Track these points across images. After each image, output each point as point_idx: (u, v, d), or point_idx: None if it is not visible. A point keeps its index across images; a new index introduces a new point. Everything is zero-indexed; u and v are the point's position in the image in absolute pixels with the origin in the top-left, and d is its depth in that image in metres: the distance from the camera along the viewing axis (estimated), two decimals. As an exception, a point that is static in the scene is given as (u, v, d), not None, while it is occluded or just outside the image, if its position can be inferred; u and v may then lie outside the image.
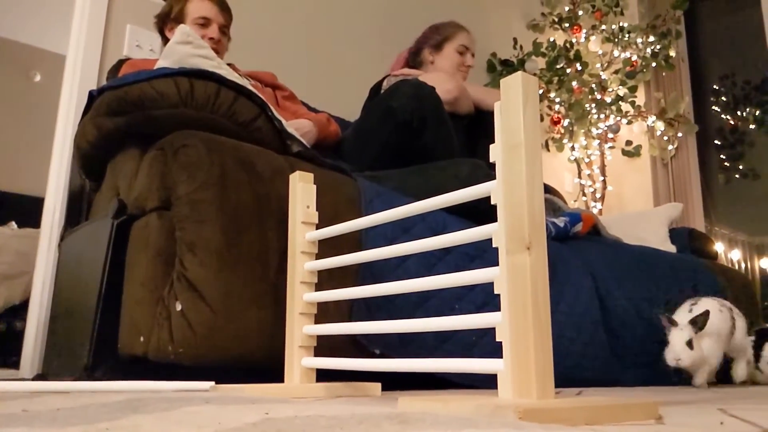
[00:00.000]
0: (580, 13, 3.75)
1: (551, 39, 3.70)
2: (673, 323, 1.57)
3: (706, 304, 1.65)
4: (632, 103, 3.73)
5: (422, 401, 0.71)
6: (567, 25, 3.76)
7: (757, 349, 1.94)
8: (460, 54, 2.39)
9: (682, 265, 2.12)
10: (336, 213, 1.29)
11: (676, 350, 1.55)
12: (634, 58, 3.70)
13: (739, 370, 1.82)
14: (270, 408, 0.60)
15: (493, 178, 0.77)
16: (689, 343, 1.54)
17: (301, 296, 1.10)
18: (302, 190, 1.13)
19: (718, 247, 3.51)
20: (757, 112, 3.83)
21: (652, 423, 0.64)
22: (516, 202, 0.73)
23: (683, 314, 1.61)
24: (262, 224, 1.19)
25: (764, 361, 1.91)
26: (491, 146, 0.77)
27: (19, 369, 1.86)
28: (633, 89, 3.71)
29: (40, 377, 1.59)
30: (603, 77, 3.72)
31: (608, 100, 3.69)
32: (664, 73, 3.92)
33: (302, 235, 1.12)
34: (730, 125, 3.93)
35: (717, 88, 4.03)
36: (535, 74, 3.56)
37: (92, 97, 1.39)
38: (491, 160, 0.77)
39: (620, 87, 3.72)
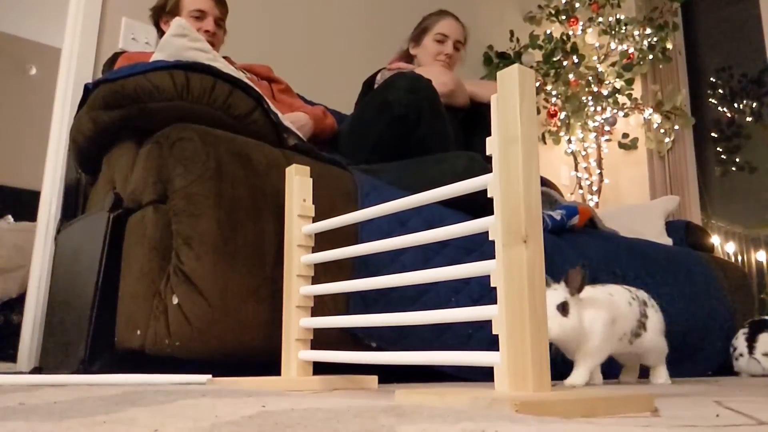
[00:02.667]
0: (577, 5, 3.74)
1: (548, 31, 3.70)
2: (546, 283, 1.17)
3: (610, 290, 1.31)
4: (629, 96, 3.73)
5: (419, 394, 0.71)
6: (564, 17, 3.75)
7: (751, 340, 1.95)
8: (438, 42, 2.31)
9: (678, 258, 2.13)
10: (332, 206, 1.29)
11: None
12: (631, 50, 3.70)
13: (662, 374, 1.48)
14: (267, 401, 0.60)
15: (490, 171, 0.77)
16: (562, 308, 1.17)
17: (298, 289, 1.10)
18: (298, 184, 1.13)
19: (715, 239, 3.52)
20: (754, 105, 3.83)
21: (648, 416, 0.65)
22: (512, 195, 0.73)
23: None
24: (258, 217, 1.19)
25: (759, 352, 1.93)
26: (488, 139, 0.77)
27: (16, 362, 1.86)
28: (630, 82, 3.71)
29: (37, 370, 1.59)
30: (600, 70, 3.72)
31: (605, 92, 3.69)
32: (661, 66, 3.92)
33: (298, 228, 1.12)
34: (727, 118, 3.93)
35: (714, 80, 4.02)
36: (531, 67, 3.55)
37: (88, 90, 1.39)
38: (487, 153, 0.77)
39: (617, 79, 3.71)
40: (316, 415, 0.51)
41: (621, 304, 1.29)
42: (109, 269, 1.21)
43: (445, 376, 1.39)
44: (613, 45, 3.73)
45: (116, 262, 1.21)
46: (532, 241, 0.72)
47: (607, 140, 3.85)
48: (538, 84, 3.68)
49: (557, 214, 1.86)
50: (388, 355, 0.91)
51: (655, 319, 1.40)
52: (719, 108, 3.98)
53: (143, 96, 1.24)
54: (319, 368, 1.10)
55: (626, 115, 3.83)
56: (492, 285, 0.74)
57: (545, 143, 3.80)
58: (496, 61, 3.53)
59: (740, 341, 1.99)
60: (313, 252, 1.12)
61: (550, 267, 1.62)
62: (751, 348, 1.95)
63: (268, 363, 1.14)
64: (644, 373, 1.52)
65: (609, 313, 1.24)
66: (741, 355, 1.98)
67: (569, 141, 3.78)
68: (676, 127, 3.80)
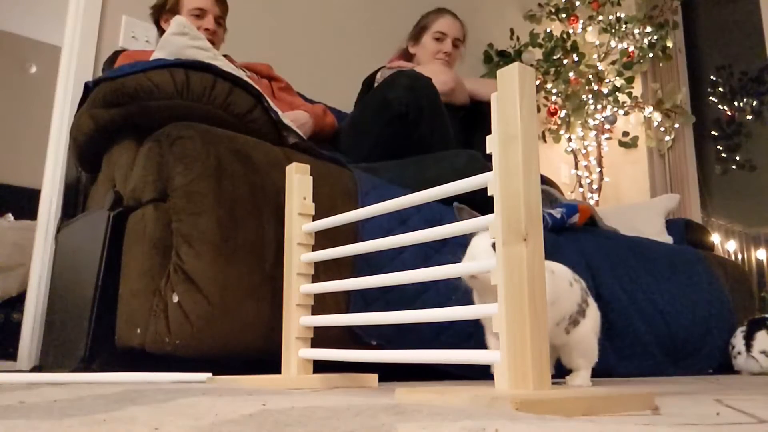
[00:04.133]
0: (577, 3, 3.74)
1: (548, 30, 3.69)
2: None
3: (552, 266, 1.08)
4: (629, 94, 3.73)
5: (419, 392, 0.71)
6: (564, 15, 3.75)
7: (749, 339, 1.96)
8: (437, 40, 2.30)
9: (678, 257, 2.13)
10: (332, 204, 1.29)
11: (475, 253, 0.92)
12: (631, 48, 3.70)
13: (583, 377, 1.18)
14: (267, 399, 0.60)
15: (490, 169, 0.77)
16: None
17: (298, 288, 1.10)
18: (299, 182, 1.13)
19: (715, 238, 3.52)
20: (755, 103, 3.83)
21: (649, 414, 0.65)
22: (512, 194, 0.73)
23: None
24: (258, 216, 1.19)
25: (756, 350, 1.93)
26: (488, 137, 0.77)
27: (16, 360, 1.86)
28: (630, 80, 3.71)
29: (37, 369, 1.59)
30: (600, 68, 3.71)
31: (605, 91, 3.69)
32: (661, 64, 3.92)
33: (299, 226, 1.12)
34: (727, 116, 3.93)
35: (714, 78, 4.02)
36: (531, 65, 3.55)
37: (88, 88, 1.39)
38: (488, 152, 0.77)
39: (617, 78, 3.71)
40: (316, 413, 0.50)
41: (562, 283, 1.08)
42: (110, 267, 1.21)
43: (446, 375, 1.39)
44: (613, 43, 3.73)
45: (116, 261, 1.21)
46: (532, 239, 0.71)
47: (608, 138, 3.85)
48: (538, 82, 3.68)
49: (557, 213, 1.86)
50: (388, 353, 0.91)
51: (594, 313, 1.18)
52: (719, 106, 3.97)
53: (143, 94, 1.23)
54: (320, 366, 1.10)
55: (626, 114, 3.83)
56: (492, 283, 0.74)
57: (545, 141, 3.80)
58: (496, 60, 3.53)
59: (738, 339, 2.00)
60: (313, 250, 1.12)
61: (551, 265, 1.63)
62: (748, 346, 1.95)
63: (268, 361, 1.14)
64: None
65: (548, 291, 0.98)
66: (739, 353, 1.98)
67: (569, 139, 3.78)
68: (677, 125, 3.80)
